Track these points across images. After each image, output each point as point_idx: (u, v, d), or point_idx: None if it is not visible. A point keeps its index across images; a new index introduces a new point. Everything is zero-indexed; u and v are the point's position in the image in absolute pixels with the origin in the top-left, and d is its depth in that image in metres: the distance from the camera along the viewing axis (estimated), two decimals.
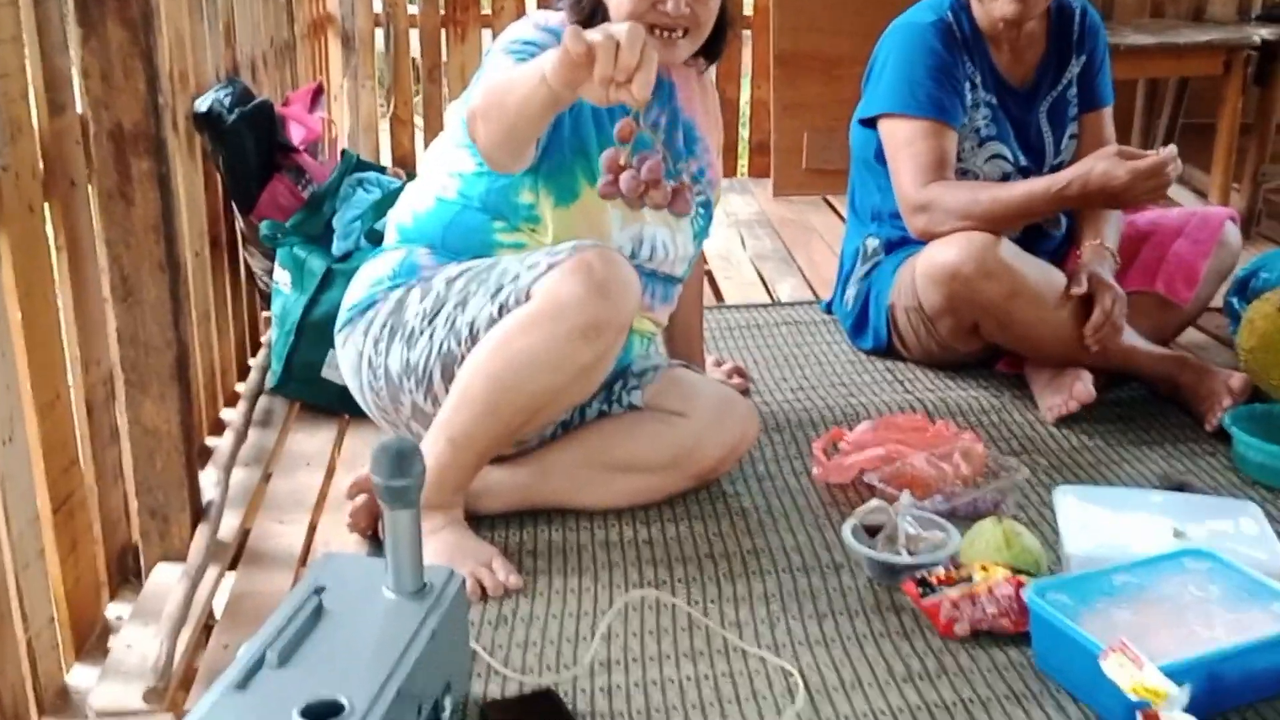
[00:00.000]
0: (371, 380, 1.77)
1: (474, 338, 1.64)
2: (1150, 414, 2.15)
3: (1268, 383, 2.05)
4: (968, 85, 2.24)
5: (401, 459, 1.27)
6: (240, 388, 2.34)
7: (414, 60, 3.97)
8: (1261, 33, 3.03)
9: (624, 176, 1.38)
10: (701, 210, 1.91)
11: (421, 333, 1.70)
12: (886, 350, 2.41)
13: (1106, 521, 1.61)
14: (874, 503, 1.68)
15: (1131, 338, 2.16)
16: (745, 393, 2.26)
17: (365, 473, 1.76)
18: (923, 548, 1.61)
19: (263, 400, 2.22)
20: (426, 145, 3.83)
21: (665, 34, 1.70)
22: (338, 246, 2.21)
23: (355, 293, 1.81)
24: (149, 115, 1.54)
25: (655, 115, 1.83)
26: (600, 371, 1.65)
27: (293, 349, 2.15)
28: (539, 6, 1.77)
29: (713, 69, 1.98)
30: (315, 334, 2.12)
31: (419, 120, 3.83)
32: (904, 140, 2.21)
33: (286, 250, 2.20)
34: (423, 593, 1.31)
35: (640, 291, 1.63)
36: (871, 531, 1.66)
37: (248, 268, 2.50)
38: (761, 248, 3.25)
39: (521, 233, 1.74)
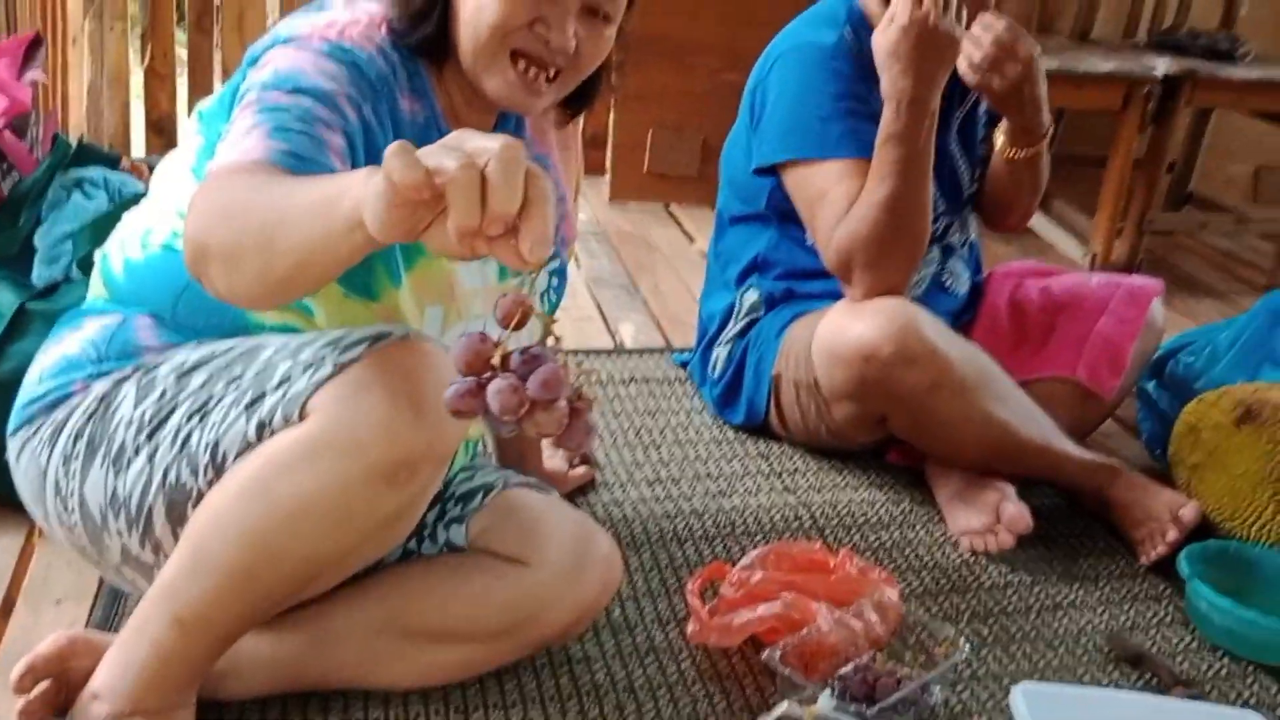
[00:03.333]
0: (61, 512, 1.19)
1: (217, 467, 1.09)
2: (1074, 535, 1.79)
3: (1216, 510, 1.71)
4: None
5: None
6: None
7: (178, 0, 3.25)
8: (1161, 65, 2.74)
9: (495, 387, 0.80)
10: (555, 280, 1.41)
11: (137, 451, 1.13)
12: (761, 426, 1.97)
13: None
14: (782, 708, 1.23)
15: (1057, 439, 1.78)
16: (591, 483, 1.79)
17: (46, 649, 1.18)
18: None
19: None
20: (190, 108, 3.16)
21: (533, 72, 1.20)
22: (39, 274, 1.60)
23: (37, 380, 1.23)
24: None
25: None
26: (410, 521, 1.14)
27: None
28: None
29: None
30: None
31: (181, 76, 3.13)
32: (817, 191, 1.75)
33: None
34: None
35: None
36: None
37: None
38: (599, 270, 2.75)
39: (289, 313, 1.20)
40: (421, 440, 1.04)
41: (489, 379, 0.81)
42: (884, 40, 1.65)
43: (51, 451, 1.18)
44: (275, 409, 1.06)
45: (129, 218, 1.31)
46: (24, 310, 1.52)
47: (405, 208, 0.77)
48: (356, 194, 0.81)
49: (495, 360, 0.81)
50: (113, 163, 1.79)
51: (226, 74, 3.14)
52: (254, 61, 1.16)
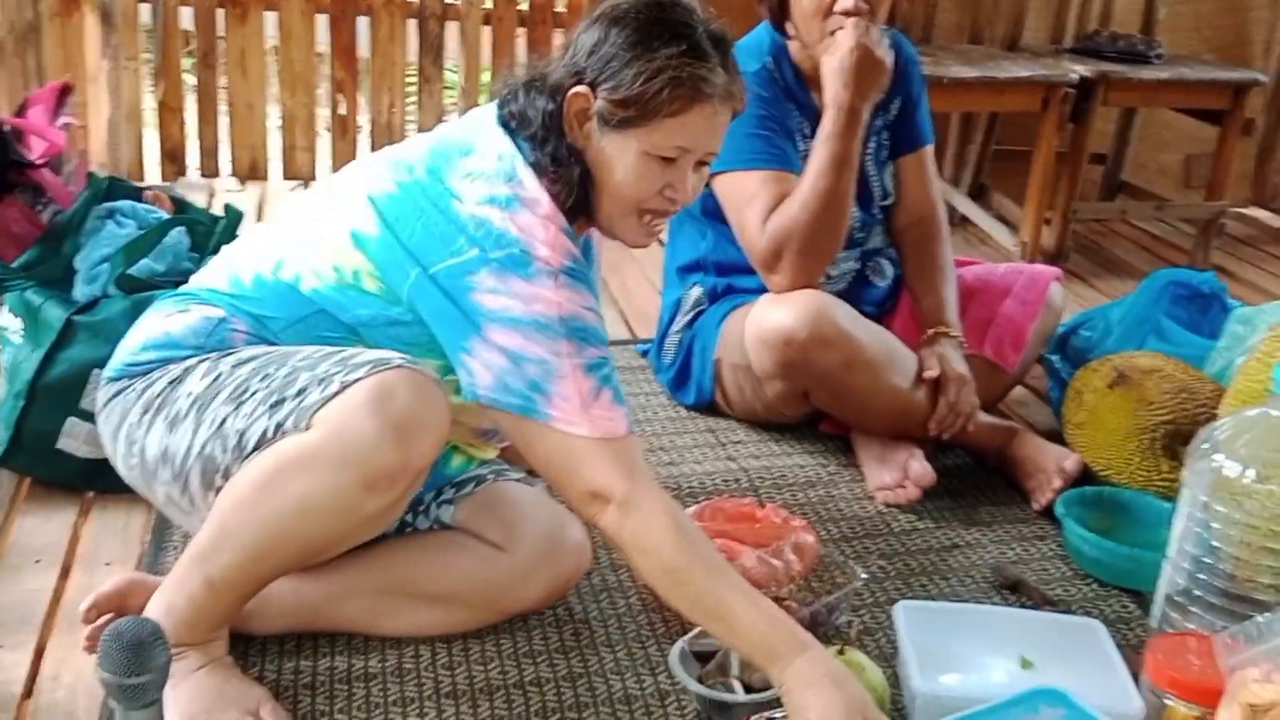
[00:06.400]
0: (127, 454, 1.46)
1: (241, 450, 1.35)
2: (978, 488, 2.06)
3: (1095, 461, 1.99)
4: (798, 135, 2.08)
5: (138, 652, 1.02)
6: None
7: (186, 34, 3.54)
8: (1078, 69, 3.01)
9: None
10: None
11: (185, 418, 1.40)
12: (710, 406, 2.25)
13: (951, 647, 1.49)
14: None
15: None
16: None
17: (107, 588, 1.47)
18: (758, 678, 1.46)
19: None
20: (201, 137, 3.45)
21: (658, 222, 1.47)
22: (81, 292, 1.88)
23: (138, 348, 1.47)
24: None
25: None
26: (390, 518, 1.41)
27: (23, 414, 1.81)
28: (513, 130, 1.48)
29: None
30: (51, 398, 1.79)
31: (190, 108, 3.42)
32: (745, 197, 2.01)
33: (16, 295, 1.85)
34: None
35: (446, 429, 1.37)
36: (702, 657, 1.49)
37: None
38: None
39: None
40: (399, 459, 1.30)
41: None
42: (832, 60, 1.93)
43: (135, 404, 1.43)
44: (290, 415, 1.33)
45: (260, 235, 1.54)
46: (70, 323, 1.80)
47: None
48: (792, 676, 1.28)
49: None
50: (138, 194, 2.07)
51: (231, 105, 3.43)
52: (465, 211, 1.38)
